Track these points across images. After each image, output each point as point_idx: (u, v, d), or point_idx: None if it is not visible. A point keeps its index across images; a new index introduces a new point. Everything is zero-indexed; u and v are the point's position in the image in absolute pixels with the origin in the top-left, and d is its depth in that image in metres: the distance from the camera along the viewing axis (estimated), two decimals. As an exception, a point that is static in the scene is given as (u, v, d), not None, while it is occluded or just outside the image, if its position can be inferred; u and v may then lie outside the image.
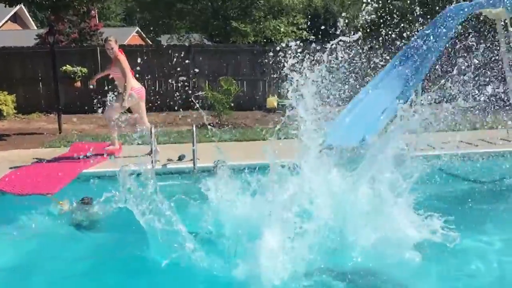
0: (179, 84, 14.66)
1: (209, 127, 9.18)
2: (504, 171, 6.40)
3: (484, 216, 4.75)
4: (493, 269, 3.78)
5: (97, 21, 24.77)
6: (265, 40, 20.03)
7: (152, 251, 3.84)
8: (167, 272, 3.57)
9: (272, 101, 14.01)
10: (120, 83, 7.47)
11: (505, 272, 3.75)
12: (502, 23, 8.43)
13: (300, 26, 22.20)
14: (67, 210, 5.25)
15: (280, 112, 12.82)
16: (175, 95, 14.54)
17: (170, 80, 14.80)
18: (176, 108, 13.94)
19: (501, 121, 9.51)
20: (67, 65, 12.95)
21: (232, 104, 12.10)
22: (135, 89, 7.47)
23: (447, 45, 7.94)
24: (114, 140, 7.80)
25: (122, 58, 7.40)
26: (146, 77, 14.51)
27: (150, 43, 29.59)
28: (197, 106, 6.83)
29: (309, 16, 24.27)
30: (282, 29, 20.94)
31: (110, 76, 7.77)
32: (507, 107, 8.71)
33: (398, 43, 9.24)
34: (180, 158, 7.19)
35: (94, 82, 8.27)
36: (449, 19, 7.67)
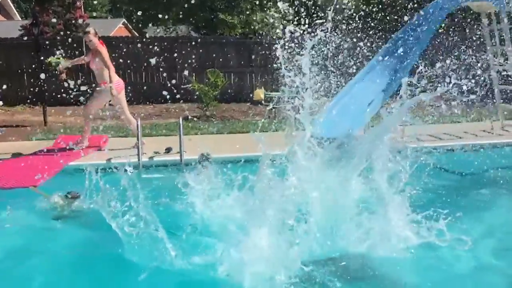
0: (166, 77, 14.58)
1: (195, 119, 9.16)
2: (487, 163, 6.47)
3: (469, 206, 4.78)
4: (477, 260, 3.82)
5: (83, 12, 24.45)
6: (252, 32, 19.97)
7: (133, 247, 3.82)
8: (147, 268, 3.54)
9: (259, 93, 13.98)
10: (100, 75, 7.37)
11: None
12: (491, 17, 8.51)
13: (287, 18, 22.15)
14: (55, 204, 5.21)
15: (267, 104, 12.88)
16: (162, 87, 14.48)
17: (156, 73, 14.71)
18: (162, 100, 13.92)
19: (485, 114, 9.66)
20: (52, 57, 12.78)
21: (219, 97, 12.08)
22: (114, 82, 7.35)
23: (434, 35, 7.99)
24: (84, 138, 7.59)
25: (103, 50, 7.32)
26: (132, 70, 14.42)
27: (137, 34, 29.32)
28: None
29: (296, 8, 24.21)
30: (269, 21, 20.88)
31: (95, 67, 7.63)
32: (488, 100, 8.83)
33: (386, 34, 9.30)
34: (167, 151, 7.16)
35: (64, 72, 8.11)
36: (436, 11, 7.72)
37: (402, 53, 7.81)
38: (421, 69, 4.31)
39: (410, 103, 3.98)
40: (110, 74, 7.21)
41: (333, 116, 7.35)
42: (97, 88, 7.47)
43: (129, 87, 14.05)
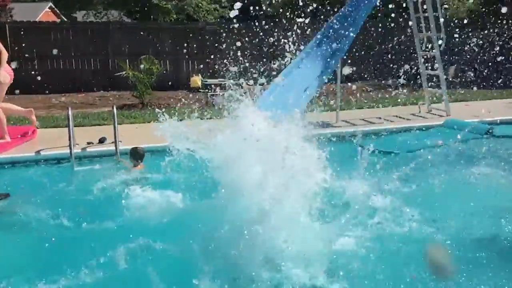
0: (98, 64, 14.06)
1: (131, 108, 8.91)
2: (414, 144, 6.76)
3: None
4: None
5: (5, -5, 22.94)
6: (187, 18, 19.65)
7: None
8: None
9: (196, 80, 13.82)
10: None
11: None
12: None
13: (223, 4, 22.00)
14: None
15: (204, 91, 12.78)
16: (94, 75, 13.97)
17: (87, 59, 14.13)
18: (95, 88, 13.43)
19: (415, 97, 10.11)
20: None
21: (155, 84, 11.81)
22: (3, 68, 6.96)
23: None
24: (3, 132, 7.11)
25: None
26: (61, 57, 13.77)
27: (65, 19, 27.95)
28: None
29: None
30: (204, 7, 20.64)
31: None
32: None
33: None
34: (101, 141, 6.93)
35: None
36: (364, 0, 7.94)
37: (335, 40, 7.98)
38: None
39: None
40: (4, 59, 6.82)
41: (270, 104, 7.41)
42: None
43: (58, 75, 13.49)
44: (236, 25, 15.85)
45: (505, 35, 15.48)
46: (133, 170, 5.68)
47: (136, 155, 5.80)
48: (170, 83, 13.70)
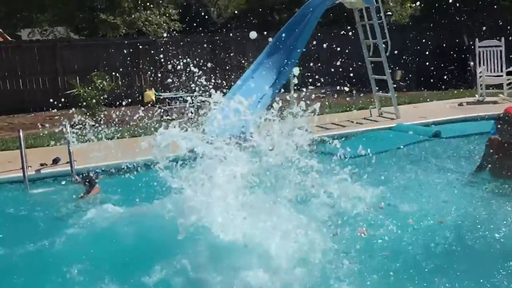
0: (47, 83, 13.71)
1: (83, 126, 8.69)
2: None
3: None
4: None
5: None
6: (137, 33, 19.45)
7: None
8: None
9: (150, 94, 13.73)
10: None
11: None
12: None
13: (172, 17, 21.90)
14: None
15: (158, 105, 12.69)
16: (43, 94, 13.60)
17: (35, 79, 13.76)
18: (45, 108, 13.06)
19: (365, 102, 10.44)
20: None
21: (108, 101, 11.63)
22: None
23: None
24: None
25: None
26: (7, 77, 13.34)
27: (9, 38, 27.01)
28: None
29: (181, 7, 24.07)
30: (154, 21, 20.48)
31: None
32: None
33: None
34: (55, 161, 6.76)
35: None
36: (313, 9, 8.17)
37: (287, 48, 8.17)
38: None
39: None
40: None
41: (226, 115, 7.47)
42: None
43: (5, 96, 13.05)
44: (187, 38, 15.88)
45: (441, 38, 16.31)
46: (88, 196, 5.37)
47: (88, 182, 5.49)
48: (123, 98, 13.51)
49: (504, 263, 3.42)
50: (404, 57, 14.44)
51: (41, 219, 4.74)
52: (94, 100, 10.98)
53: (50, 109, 13.06)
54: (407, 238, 3.81)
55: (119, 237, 4.04)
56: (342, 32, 15.80)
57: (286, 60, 7.92)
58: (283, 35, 8.40)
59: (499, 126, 4.61)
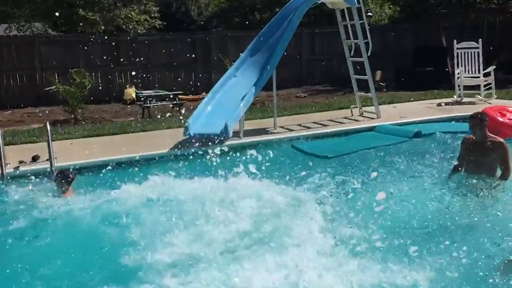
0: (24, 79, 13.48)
1: (63, 123, 8.61)
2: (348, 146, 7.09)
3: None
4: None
5: None
6: (116, 29, 19.23)
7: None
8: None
9: (130, 92, 13.60)
10: None
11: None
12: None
13: (152, 15, 21.72)
14: None
15: (139, 103, 12.59)
16: (20, 91, 13.39)
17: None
18: (22, 105, 12.83)
19: (347, 101, 10.54)
20: None
21: (88, 98, 11.47)
22: None
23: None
24: None
25: None
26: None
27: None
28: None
29: (161, 4, 23.92)
30: (134, 18, 20.28)
31: None
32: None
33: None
34: (34, 159, 6.64)
35: None
36: (296, 8, 8.22)
37: (269, 48, 8.21)
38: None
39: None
40: None
41: (208, 113, 7.48)
42: None
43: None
44: (168, 36, 15.78)
45: (420, 39, 16.59)
46: (63, 196, 5.10)
47: (63, 179, 5.17)
48: (103, 96, 13.37)
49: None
50: (383, 57, 14.63)
51: (16, 217, 4.66)
52: (73, 97, 10.81)
53: (28, 105, 12.91)
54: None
55: (93, 232, 4.06)
56: (316, 31, 15.96)
57: (268, 59, 7.95)
58: (266, 33, 8.43)
59: (471, 124, 4.87)
